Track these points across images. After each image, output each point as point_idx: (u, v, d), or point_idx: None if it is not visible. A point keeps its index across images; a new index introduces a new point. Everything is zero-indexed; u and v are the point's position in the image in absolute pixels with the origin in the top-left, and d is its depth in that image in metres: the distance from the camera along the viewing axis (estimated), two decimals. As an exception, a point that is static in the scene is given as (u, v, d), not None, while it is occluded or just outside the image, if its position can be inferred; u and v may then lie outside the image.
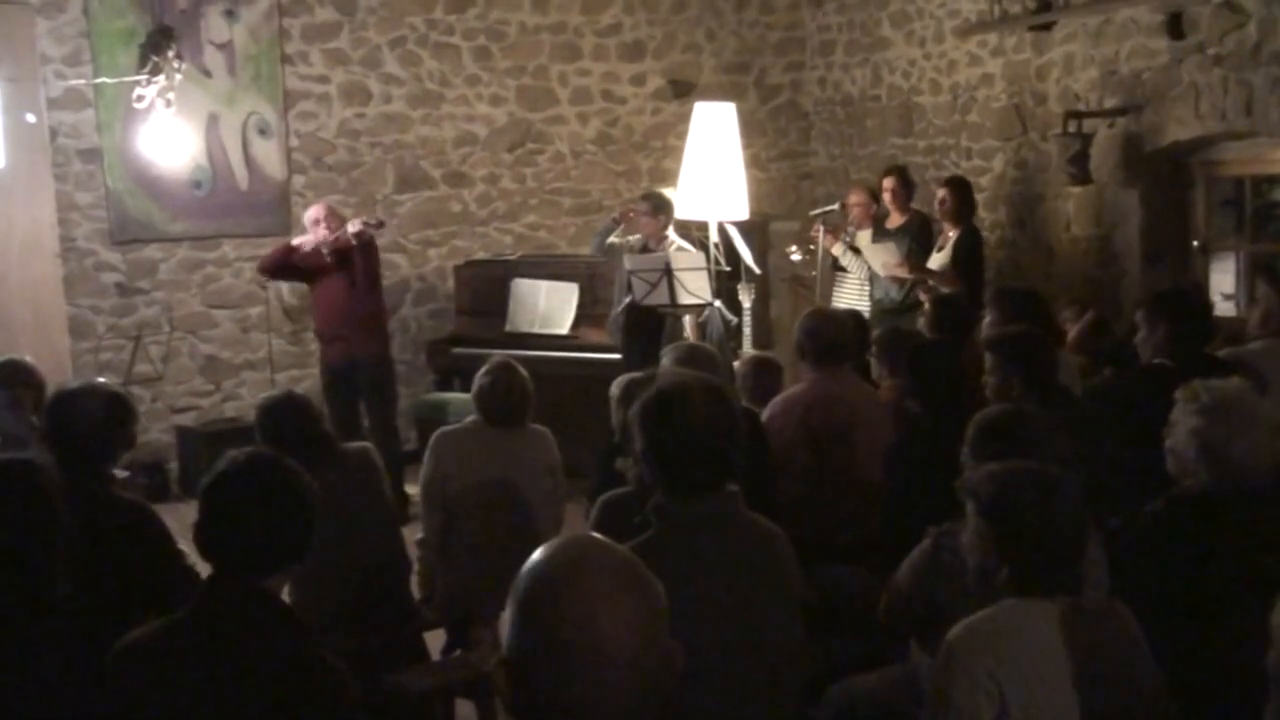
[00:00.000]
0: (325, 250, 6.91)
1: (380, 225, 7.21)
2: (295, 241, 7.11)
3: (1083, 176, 6.86)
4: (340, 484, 4.00)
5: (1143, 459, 3.50)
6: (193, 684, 2.35)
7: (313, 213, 7.14)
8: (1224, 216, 6.91)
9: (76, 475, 3.29)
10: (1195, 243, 6.82)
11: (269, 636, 2.43)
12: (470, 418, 4.66)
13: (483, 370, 4.61)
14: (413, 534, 4.87)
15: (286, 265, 7.11)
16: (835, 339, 4.71)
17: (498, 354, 4.82)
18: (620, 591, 1.48)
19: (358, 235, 6.91)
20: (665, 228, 7.01)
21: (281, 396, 4.27)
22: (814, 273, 7.95)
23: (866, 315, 6.73)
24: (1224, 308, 6.53)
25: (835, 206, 7.69)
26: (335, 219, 7.04)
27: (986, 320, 5.33)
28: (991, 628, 2.53)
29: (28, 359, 5.21)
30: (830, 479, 4.42)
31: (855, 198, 7.69)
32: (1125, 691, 2.54)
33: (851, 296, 7.50)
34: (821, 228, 7.53)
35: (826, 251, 7.58)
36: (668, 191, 7.33)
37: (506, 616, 1.51)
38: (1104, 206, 7.04)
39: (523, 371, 4.61)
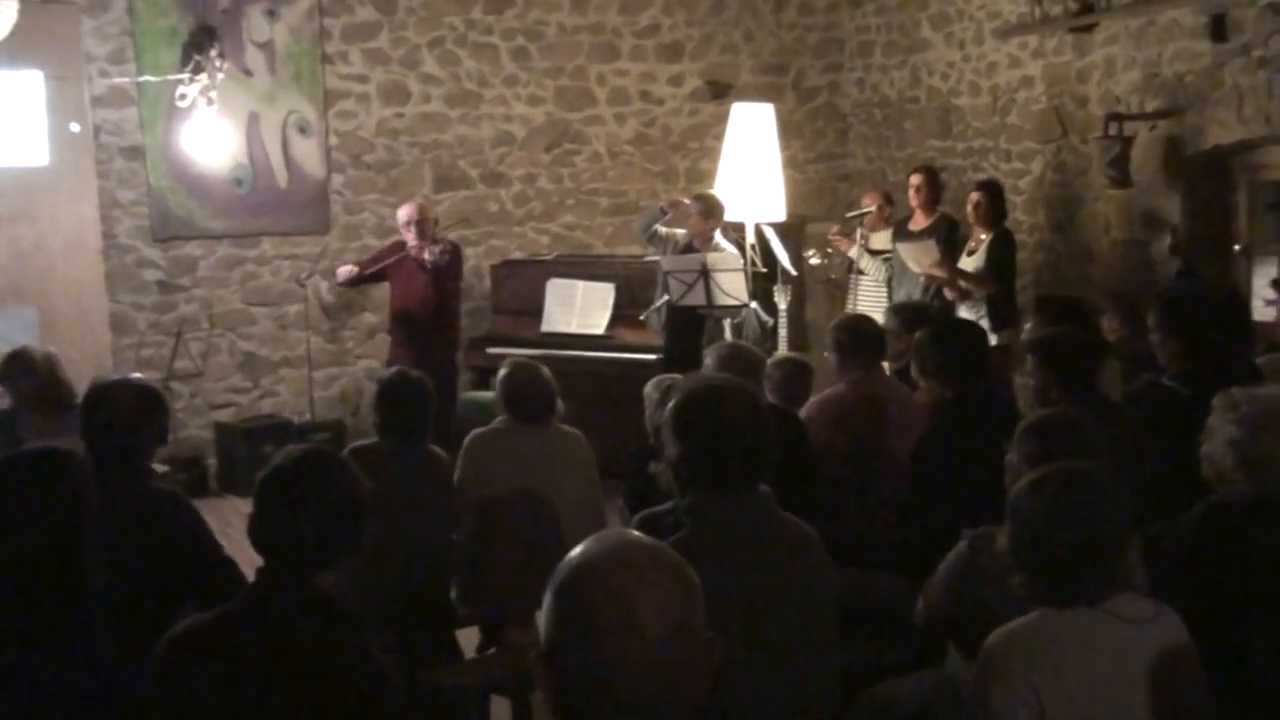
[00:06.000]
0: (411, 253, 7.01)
1: (445, 251, 7.11)
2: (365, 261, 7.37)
3: (1123, 180, 6.81)
4: (415, 477, 4.22)
5: (1180, 466, 3.46)
6: (242, 676, 2.37)
7: (403, 214, 7.13)
8: (1268, 220, 6.83)
9: (110, 467, 3.32)
10: (1237, 247, 6.75)
11: (319, 631, 2.44)
12: (500, 418, 4.69)
13: (502, 371, 4.65)
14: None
15: (362, 279, 7.30)
16: (872, 338, 4.69)
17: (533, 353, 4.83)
18: (654, 574, 1.51)
19: (432, 264, 6.96)
20: (713, 231, 7.01)
21: (398, 374, 4.51)
22: (833, 276, 7.95)
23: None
24: (1266, 314, 6.46)
25: (871, 209, 7.67)
26: (427, 223, 7.06)
27: (1028, 326, 5.30)
28: (1030, 635, 2.49)
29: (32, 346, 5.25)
30: (867, 480, 4.40)
31: (869, 200, 7.69)
32: (1170, 701, 2.50)
33: (869, 299, 7.45)
34: (858, 230, 7.51)
35: (846, 254, 7.57)
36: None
37: (543, 608, 1.53)
38: (1145, 210, 6.98)
39: (544, 369, 4.64)
